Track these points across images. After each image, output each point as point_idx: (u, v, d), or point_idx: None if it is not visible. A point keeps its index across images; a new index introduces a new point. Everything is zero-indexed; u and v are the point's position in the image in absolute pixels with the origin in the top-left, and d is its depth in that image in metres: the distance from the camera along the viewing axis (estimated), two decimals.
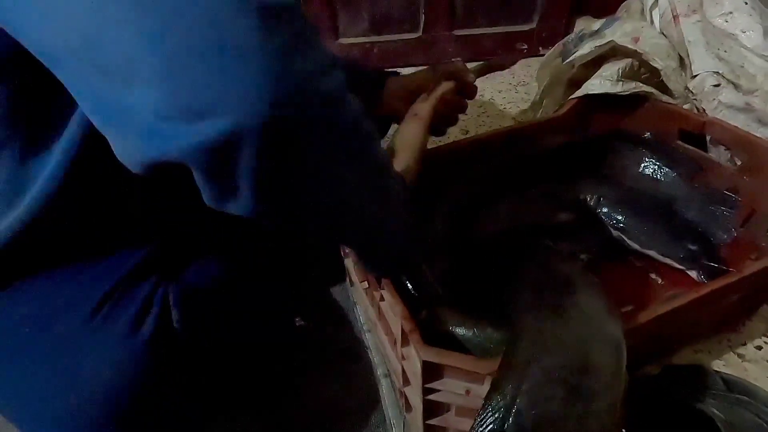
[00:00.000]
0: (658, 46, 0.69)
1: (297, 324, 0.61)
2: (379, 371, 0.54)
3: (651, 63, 0.67)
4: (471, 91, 0.60)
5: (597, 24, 0.84)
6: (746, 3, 0.68)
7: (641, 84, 0.68)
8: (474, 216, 0.64)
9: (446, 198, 0.61)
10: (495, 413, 0.29)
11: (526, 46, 1.29)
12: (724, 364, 0.53)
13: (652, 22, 0.76)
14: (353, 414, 0.52)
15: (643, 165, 0.67)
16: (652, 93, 0.67)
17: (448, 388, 0.37)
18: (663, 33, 0.73)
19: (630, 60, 0.69)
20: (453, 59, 0.65)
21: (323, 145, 0.28)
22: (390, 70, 0.63)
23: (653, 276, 0.61)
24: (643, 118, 0.69)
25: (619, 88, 0.67)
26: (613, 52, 0.71)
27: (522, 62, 1.29)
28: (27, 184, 0.34)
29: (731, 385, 0.48)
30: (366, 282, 0.47)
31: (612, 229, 0.62)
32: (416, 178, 0.47)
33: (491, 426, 0.28)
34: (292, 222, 0.31)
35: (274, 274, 0.57)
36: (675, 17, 0.70)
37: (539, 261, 0.41)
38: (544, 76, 0.87)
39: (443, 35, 1.26)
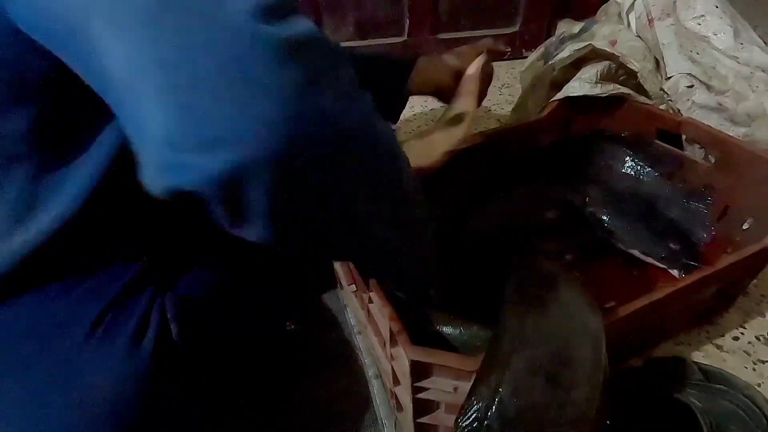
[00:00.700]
0: (634, 49, 0.71)
1: (289, 328, 0.62)
2: (371, 372, 0.55)
3: (628, 65, 0.70)
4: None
5: (577, 27, 0.86)
6: (717, 6, 0.70)
7: (619, 86, 0.70)
8: (463, 217, 0.65)
9: (435, 199, 0.62)
10: (479, 402, 0.30)
11: (509, 49, 1.31)
12: (703, 356, 0.55)
13: (629, 25, 0.78)
14: (345, 415, 0.52)
15: (625, 164, 0.69)
16: (629, 94, 0.69)
17: (437, 386, 0.38)
18: (639, 36, 0.75)
19: (608, 62, 0.71)
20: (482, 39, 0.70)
21: (343, 182, 0.27)
22: (414, 53, 0.66)
23: (636, 273, 0.62)
24: (622, 118, 0.72)
25: (598, 90, 0.69)
26: (592, 54, 0.73)
27: (506, 64, 1.31)
28: (39, 203, 0.34)
29: (709, 375, 0.50)
30: (354, 285, 0.48)
31: (597, 229, 0.64)
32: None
33: (476, 414, 0.29)
34: (310, 250, 0.31)
35: (267, 280, 0.58)
36: (650, 21, 0.72)
37: (524, 260, 0.42)
38: (527, 79, 0.89)
39: (428, 38, 1.27)
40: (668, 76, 0.67)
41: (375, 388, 0.53)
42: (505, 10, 1.26)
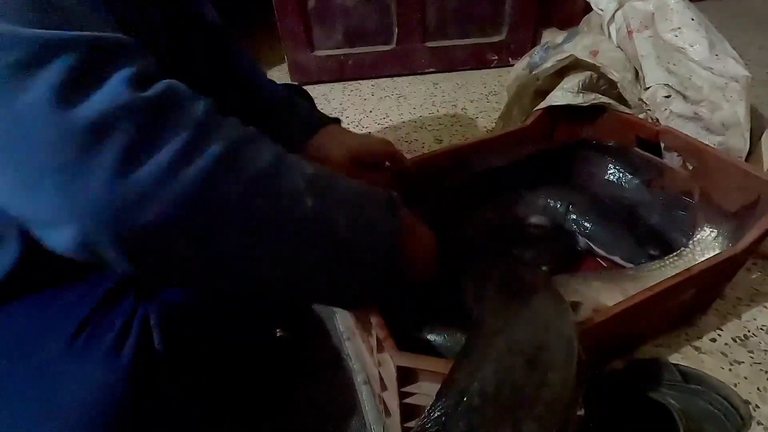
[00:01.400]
0: (615, 60, 0.73)
1: (277, 335, 0.62)
2: (359, 378, 0.55)
3: (609, 75, 0.72)
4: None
5: (560, 37, 0.89)
6: (693, 19, 0.73)
7: (600, 95, 0.72)
8: (447, 224, 0.66)
9: (420, 208, 0.63)
10: (461, 380, 0.31)
11: (496, 57, 1.34)
12: (682, 357, 0.57)
13: (609, 36, 0.81)
14: (334, 421, 0.53)
15: (608, 172, 0.71)
16: (610, 104, 0.71)
17: (424, 391, 0.39)
18: (620, 47, 0.77)
19: (590, 72, 0.73)
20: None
21: (204, 236, 0.27)
22: (333, 116, 0.60)
23: None
24: (603, 127, 0.74)
25: (580, 100, 0.71)
26: (575, 64, 0.76)
27: (493, 72, 1.33)
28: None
29: (687, 376, 0.51)
30: None
31: (580, 236, 0.66)
32: None
33: (456, 389, 0.30)
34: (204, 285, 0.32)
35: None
36: (629, 32, 0.75)
37: (504, 267, 0.44)
38: (512, 87, 0.91)
39: (416, 47, 1.29)
40: (647, 86, 0.69)
41: (363, 394, 0.54)
42: (491, 19, 1.29)
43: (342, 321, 0.61)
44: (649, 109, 0.69)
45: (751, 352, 0.57)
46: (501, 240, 0.67)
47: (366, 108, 1.19)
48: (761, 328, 0.60)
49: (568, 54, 0.73)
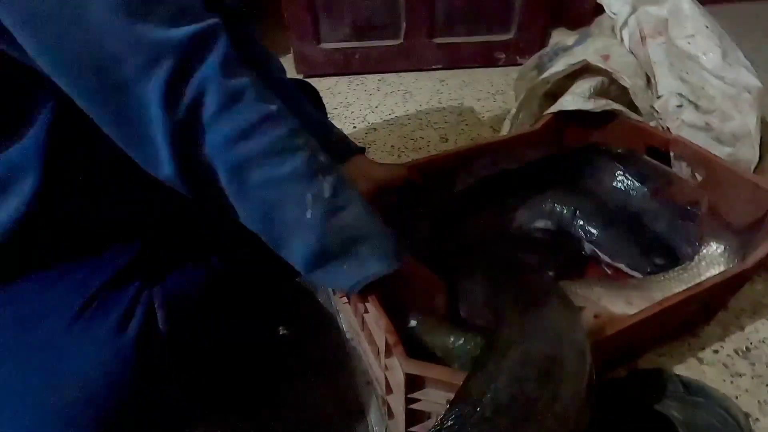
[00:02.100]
0: (626, 65, 0.73)
1: (280, 333, 0.62)
2: (362, 378, 0.55)
3: (620, 81, 0.71)
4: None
5: (571, 39, 0.88)
6: (707, 26, 0.72)
7: (611, 102, 0.71)
8: (455, 227, 0.66)
9: (431, 206, 0.63)
10: (476, 390, 0.31)
11: (504, 56, 1.33)
12: (685, 368, 0.57)
13: (622, 40, 0.80)
14: (336, 420, 0.53)
15: (616, 179, 0.71)
16: (621, 110, 0.71)
17: (430, 398, 0.39)
18: (632, 52, 0.77)
19: (601, 78, 0.73)
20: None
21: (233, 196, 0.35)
22: (360, 146, 0.62)
23: None
24: (613, 133, 0.73)
25: (590, 105, 0.70)
26: (586, 68, 0.75)
27: (500, 71, 1.32)
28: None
29: (689, 387, 0.51)
30: (345, 297, 0.48)
31: (586, 242, 0.65)
32: None
33: (470, 399, 0.31)
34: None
35: (257, 277, 0.58)
36: (643, 38, 0.74)
37: (518, 275, 0.44)
38: (520, 88, 0.91)
39: (424, 42, 1.28)
40: (659, 95, 0.69)
41: (366, 395, 0.54)
42: (500, 17, 1.27)
43: (345, 321, 0.61)
44: (660, 118, 0.69)
45: (752, 364, 0.58)
46: (507, 243, 0.67)
47: (372, 103, 1.18)
48: (763, 341, 0.60)
49: (580, 59, 0.73)
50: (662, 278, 0.55)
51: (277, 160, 0.34)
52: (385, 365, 0.42)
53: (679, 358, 0.58)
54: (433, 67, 1.32)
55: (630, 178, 0.69)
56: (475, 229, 0.66)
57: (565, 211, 0.68)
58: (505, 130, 0.88)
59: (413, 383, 0.38)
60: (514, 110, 0.87)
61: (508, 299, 0.40)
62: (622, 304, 0.54)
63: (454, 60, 1.32)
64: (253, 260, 0.58)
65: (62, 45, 0.30)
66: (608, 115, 0.73)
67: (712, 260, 0.55)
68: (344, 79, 1.30)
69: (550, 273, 0.60)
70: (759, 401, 0.54)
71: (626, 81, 0.71)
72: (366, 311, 0.45)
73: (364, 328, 0.48)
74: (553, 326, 0.36)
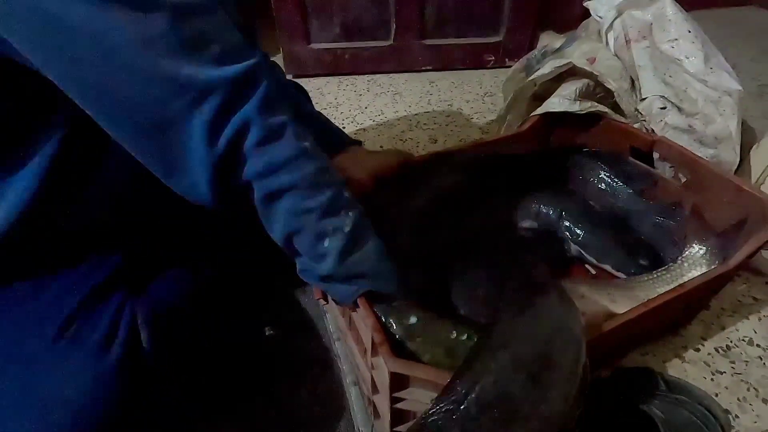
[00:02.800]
0: (612, 68, 0.74)
1: (267, 333, 0.62)
2: (348, 379, 0.55)
3: (605, 84, 0.72)
4: None
5: (558, 41, 0.89)
6: (689, 31, 0.73)
7: (597, 104, 0.72)
8: (441, 226, 0.66)
9: (411, 211, 0.63)
10: (461, 386, 0.31)
11: (493, 58, 1.34)
12: (667, 366, 0.58)
13: (607, 43, 0.81)
14: (322, 421, 0.53)
15: (601, 180, 0.71)
16: (606, 112, 0.72)
17: (415, 397, 0.39)
18: (617, 55, 0.78)
19: (587, 80, 0.73)
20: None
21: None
22: (356, 140, 0.65)
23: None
24: (599, 135, 0.74)
25: (576, 107, 0.71)
26: (572, 70, 0.76)
27: (489, 73, 1.33)
28: None
29: (672, 385, 0.52)
30: (322, 299, 0.48)
31: (572, 243, 0.66)
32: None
33: (455, 396, 0.31)
34: None
35: (240, 285, 0.57)
36: (627, 42, 0.75)
37: (517, 267, 0.44)
38: (509, 90, 0.91)
39: (414, 44, 1.28)
40: (643, 97, 0.70)
41: (353, 395, 0.54)
42: (490, 19, 1.28)
43: (332, 321, 0.61)
44: (644, 120, 0.70)
45: (732, 362, 0.59)
46: (493, 243, 0.67)
47: (361, 104, 1.18)
48: (743, 339, 0.62)
49: (567, 61, 0.74)
50: (645, 279, 0.56)
51: (308, 193, 0.36)
52: (372, 364, 0.42)
53: (661, 357, 0.59)
54: (423, 68, 1.33)
55: (615, 179, 0.70)
56: (460, 230, 0.66)
57: (551, 213, 0.69)
58: (493, 132, 0.88)
59: (399, 382, 0.38)
60: (502, 111, 0.88)
61: (506, 295, 0.40)
62: (606, 303, 0.55)
63: (444, 61, 1.33)
64: (240, 263, 0.58)
65: (106, 91, 0.29)
66: (594, 117, 0.74)
67: (695, 261, 0.56)
68: (334, 80, 1.30)
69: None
70: (738, 398, 0.55)
71: (611, 84, 0.72)
72: (353, 309, 0.45)
73: (351, 327, 0.48)
74: (551, 324, 0.36)
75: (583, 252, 0.65)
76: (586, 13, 0.89)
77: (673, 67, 0.72)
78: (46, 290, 0.38)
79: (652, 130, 0.69)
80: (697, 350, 0.60)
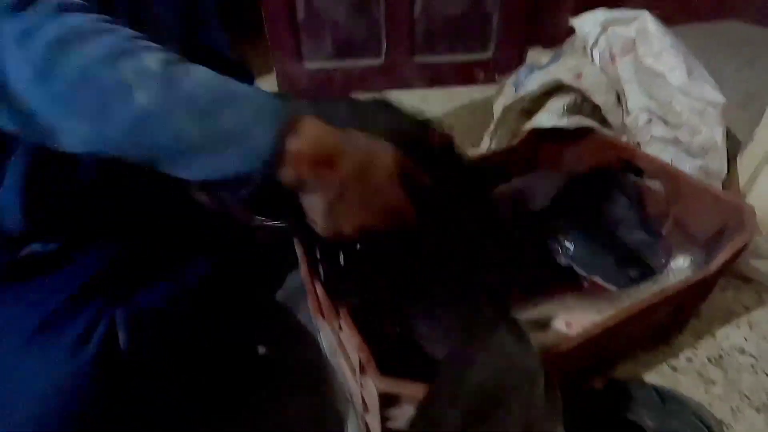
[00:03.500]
0: (598, 84, 0.75)
1: (261, 351, 0.62)
2: (342, 395, 0.55)
3: (592, 99, 0.74)
4: None
5: (546, 57, 0.91)
6: (671, 46, 0.75)
7: (584, 118, 0.74)
8: (431, 236, 0.66)
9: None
10: (421, 424, 0.32)
11: (483, 74, 1.36)
12: (660, 377, 0.58)
13: (593, 59, 0.83)
14: None
15: (591, 193, 0.72)
16: (594, 127, 0.73)
17: (406, 415, 0.39)
18: (603, 70, 0.79)
19: (574, 96, 0.75)
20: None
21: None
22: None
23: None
24: (587, 148, 0.75)
25: (564, 122, 0.72)
26: (560, 86, 0.77)
27: (480, 88, 1.35)
28: None
29: (664, 396, 0.52)
30: (320, 315, 0.48)
31: (562, 255, 0.67)
32: None
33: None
34: None
35: (234, 293, 0.57)
36: (613, 58, 0.77)
37: (468, 302, 0.43)
38: (498, 105, 0.93)
39: (404, 61, 1.31)
40: (629, 111, 0.71)
41: (346, 412, 0.54)
42: (479, 36, 1.31)
43: (325, 338, 0.61)
44: (631, 133, 0.71)
45: (725, 371, 0.59)
46: (481, 253, 0.67)
47: None
48: (734, 348, 0.62)
49: (554, 77, 0.75)
50: (633, 291, 0.56)
51: (93, 38, 0.29)
52: (361, 383, 0.42)
53: (653, 368, 0.59)
54: (414, 85, 1.35)
55: (604, 192, 0.71)
56: (447, 238, 0.66)
57: (542, 227, 0.69)
58: (484, 147, 0.90)
59: (388, 401, 0.38)
60: (492, 127, 0.89)
61: (456, 328, 0.40)
62: (593, 314, 0.55)
63: (435, 78, 1.35)
64: (230, 274, 0.58)
65: None
66: (582, 132, 0.75)
67: (680, 272, 0.57)
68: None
69: (513, 290, 0.60)
70: (732, 407, 0.55)
71: (598, 98, 0.74)
72: (341, 328, 0.45)
73: (340, 346, 0.48)
74: (502, 356, 0.36)
75: (572, 264, 0.66)
76: (572, 30, 0.91)
77: (658, 80, 0.74)
78: (25, 294, 0.39)
79: (639, 143, 0.71)
80: (689, 360, 0.60)
